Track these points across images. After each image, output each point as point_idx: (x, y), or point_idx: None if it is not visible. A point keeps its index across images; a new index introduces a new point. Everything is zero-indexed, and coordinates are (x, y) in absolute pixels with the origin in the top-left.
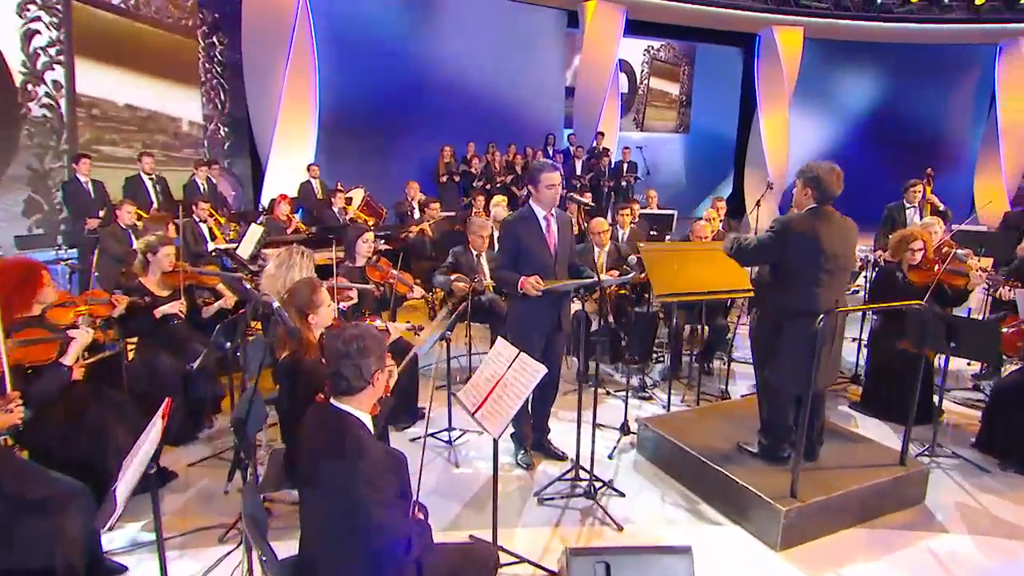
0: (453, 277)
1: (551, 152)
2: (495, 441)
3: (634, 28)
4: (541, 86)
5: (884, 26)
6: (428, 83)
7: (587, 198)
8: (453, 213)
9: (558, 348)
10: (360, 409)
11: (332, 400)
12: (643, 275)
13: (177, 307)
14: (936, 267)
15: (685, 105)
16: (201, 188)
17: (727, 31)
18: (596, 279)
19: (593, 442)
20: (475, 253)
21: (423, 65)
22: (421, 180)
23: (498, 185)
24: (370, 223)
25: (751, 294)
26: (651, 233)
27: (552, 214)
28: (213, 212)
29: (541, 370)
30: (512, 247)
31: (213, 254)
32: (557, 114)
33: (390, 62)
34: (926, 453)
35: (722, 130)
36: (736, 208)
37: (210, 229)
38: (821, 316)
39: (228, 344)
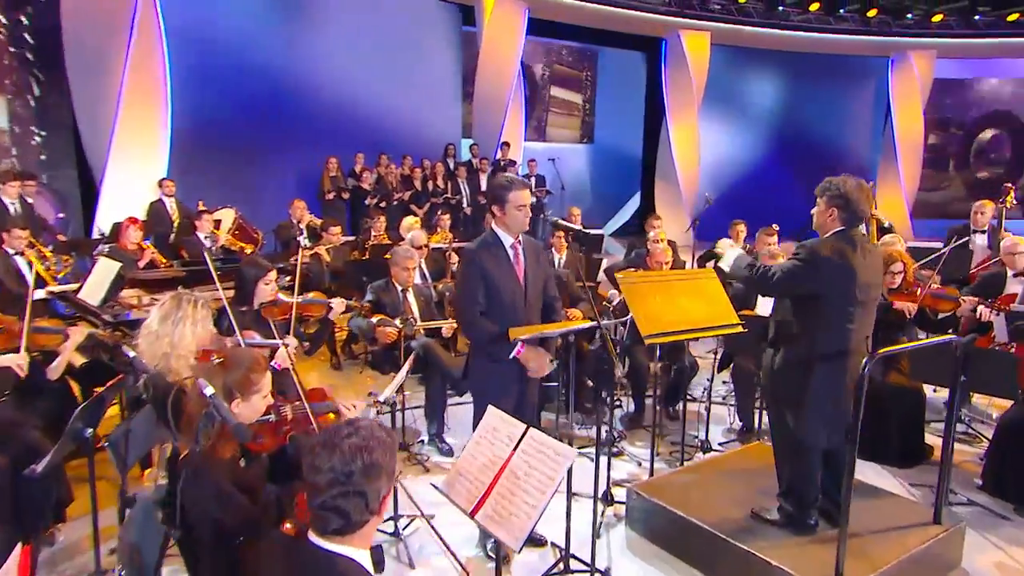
0: (376, 320)
1: (452, 164)
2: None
3: (534, 28)
4: (435, 90)
5: (784, 34)
6: (304, 88)
7: (576, 221)
8: (352, 237)
9: (532, 399)
10: (359, 547)
11: (317, 540)
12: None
13: (15, 360)
14: (919, 290)
15: (588, 113)
16: (11, 209)
17: (630, 35)
18: (596, 323)
19: (568, 518)
20: (399, 288)
21: (296, 67)
22: (304, 198)
23: (395, 203)
24: (246, 250)
25: (740, 329)
26: (585, 255)
27: (519, 240)
28: (34, 241)
29: (568, 454)
30: (476, 285)
31: (44, 297)
32: (454, 122)
33: (257, 65)
34: (949, 503)
35: (628, 140)
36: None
37: (30, 264)
38: (866, 360)
39: (90, 431)
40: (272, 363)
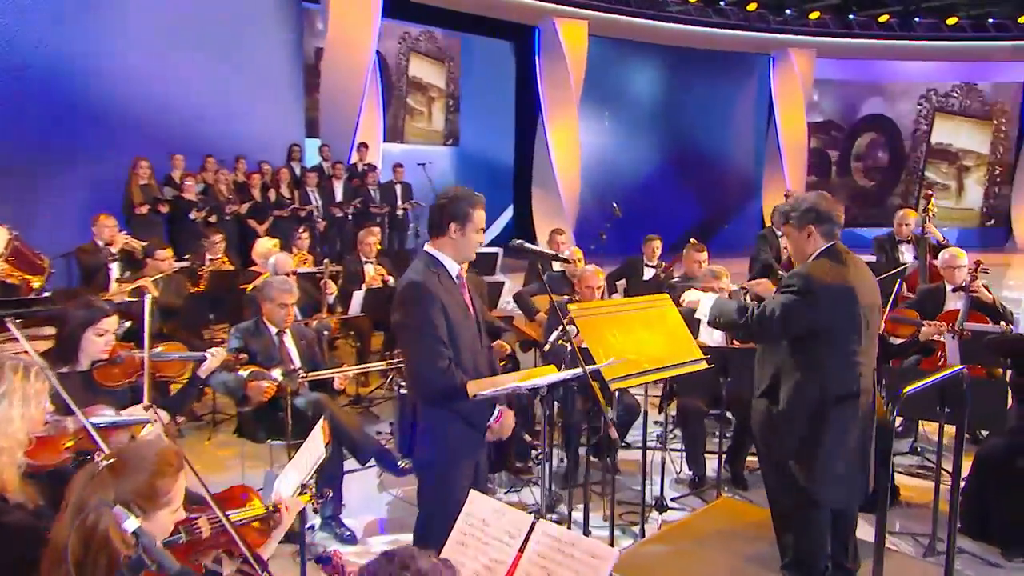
0: (246, 373)
1: (299, 170)
2: None
3: (389, 9)
4: (269, 79)
5: (663, 25)
6: (95, 84)
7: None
8: (184, 263)
9: (484, 468)
10: None
11: None
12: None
13: None
14: None
15: (453, 111)
16: None
17: (498, 22)
18: (582, 369)
19: None
20: (273, 330)
21: (83, 62)
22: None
23: (228, 216)
24: (34, 284)
25: (704, 365)
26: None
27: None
28: None
29: (607, 555)
30: (440, 326)
31: None
32: (295, 118)
33: (17, 65)
34: (936, 551)
35: (498, 142)
36: (522, 235)
37: None
38: (890, 401)
39: None
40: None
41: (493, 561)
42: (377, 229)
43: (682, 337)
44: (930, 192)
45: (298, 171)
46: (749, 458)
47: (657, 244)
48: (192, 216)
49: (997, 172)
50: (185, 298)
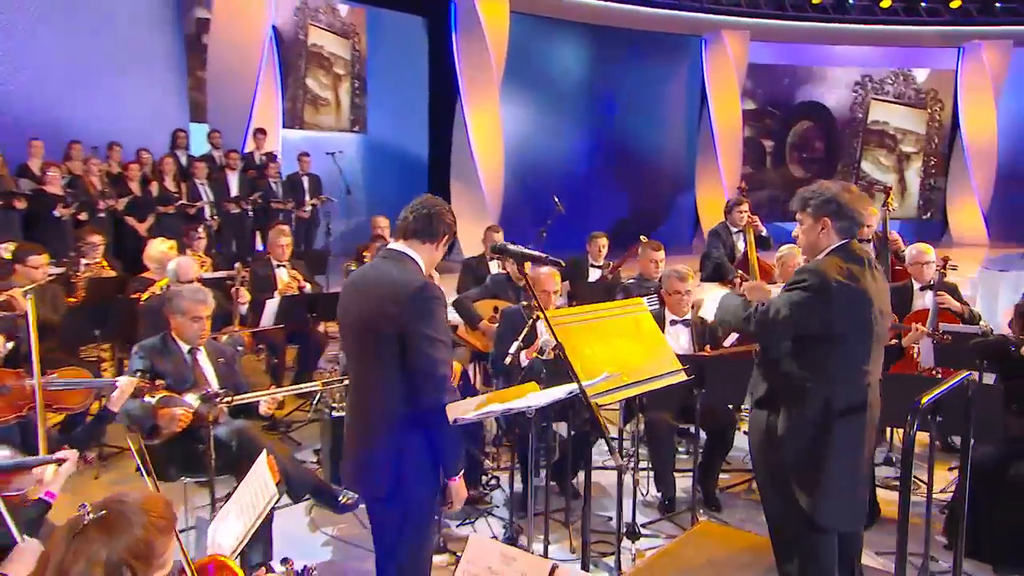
0: (155, 399)
1: (185, 159)
2: None
3: None
4: (142, 56)
5: (589, 2)
6: None
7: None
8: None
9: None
10: None
11: None
12: None
13: None
14: None
15: (359, 93)
16: None
17: None
18: (578, 385)
19: None
20: (185, 348)
21: None
22: None
23: (100, 214)
24: None
25: (684, 376)
26: None
27: None
28: None
29: None
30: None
31: None
32: (178, 101)
33: None
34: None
35: (410, 128)
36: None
37: None
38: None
39: None
40: (43, 495)
41: None
42: (287, 228)
43: (660, 346)
44: (889, 187)
45: (184, 160)
46: (721, 476)
47: (603, 242)
48: (57, 213)
49: (932, 163)
50: (63, 312)
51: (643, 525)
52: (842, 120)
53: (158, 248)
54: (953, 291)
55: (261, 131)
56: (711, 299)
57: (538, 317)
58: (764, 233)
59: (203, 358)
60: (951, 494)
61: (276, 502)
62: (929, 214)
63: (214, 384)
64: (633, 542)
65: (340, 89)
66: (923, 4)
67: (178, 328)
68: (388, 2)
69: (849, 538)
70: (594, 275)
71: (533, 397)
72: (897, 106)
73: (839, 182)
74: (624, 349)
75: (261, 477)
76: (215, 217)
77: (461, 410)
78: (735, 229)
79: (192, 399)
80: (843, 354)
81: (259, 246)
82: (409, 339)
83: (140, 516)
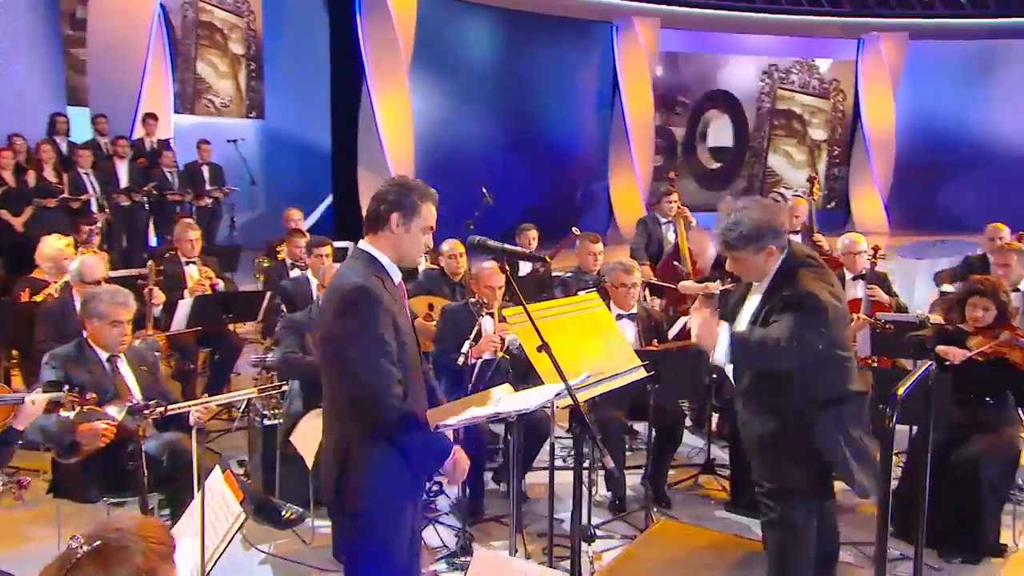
0: (74, 413)
1: (63, 146)
2: None
3: None
4: (8, 29)
5: None
6: None
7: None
8: None
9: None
10: None
11: None
12: None
13: None
14: None
15: (255, 76)
16: None
17: None
18: (565, 385)
19: None
20: (103, 356)
21: None
22: None
23: None
24: None
25: (643, 372)
26: None
27: None
28: None
29: None
30: (391, 345)
31: None
32: (54, 82)
33: None
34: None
35: (311, 113)
36: (349, 234)
37: None
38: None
39: None
40: None
41: None
42: (192, 221)
43: (620, 343)
44: (815, 176)
45: (65, 148)
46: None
47: (534, 234)
48: None
49: (835, 153)
50: None
51: (596, 526)
52: (750, 109)
53: (53, 246)
54: (883, 280)
55: (152, 116)
56: (724, 338)
57: (486, 314)
58: (694, 223)
59: (124, 366)
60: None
61: (243, 523)
62: (833, 203)
63: (136, 394)
64: (589, 544)
65: (235, 72)
66: None
67: (95, 334)
68: None
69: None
70: (525, 268)
71: (521, 400)
72: (802, 95)
73: (749, 202)
74: (585, 346)
75: (219, 495)
76: (104, 210)
77: (443, 416)
78: (664, 219)
79: (115, 411)
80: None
81: (152, 241)
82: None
83: (138, 543)
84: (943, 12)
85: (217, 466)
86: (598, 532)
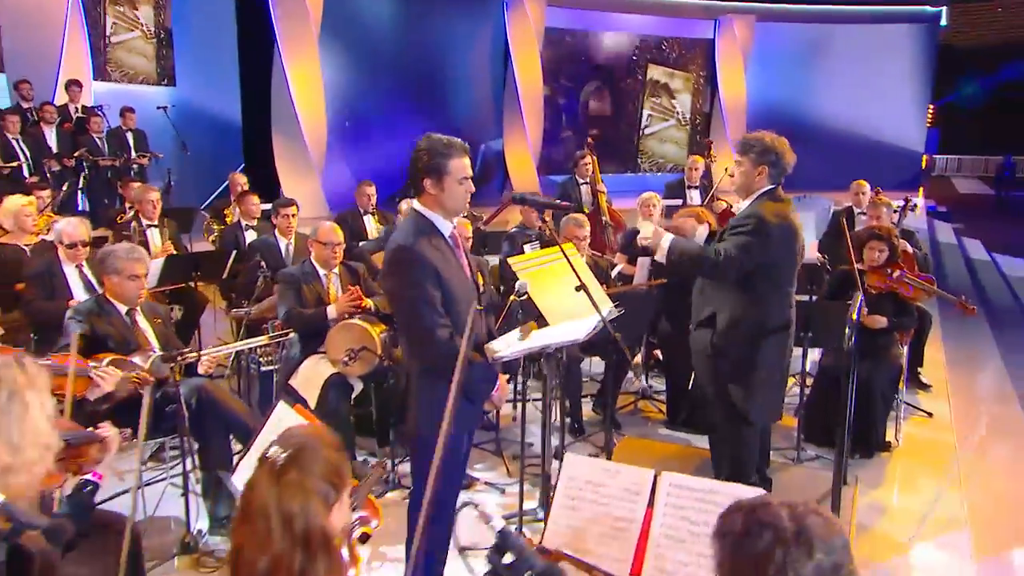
0: (107, 361)
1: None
2: None
3: None
4: None
5: None
6: None
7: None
8: None
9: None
10: None
11: None
12: None
13: None
14: None
15: (166, 43)
16: None
17: None
18: (601, 319)
19: None
20: (123, 309)
21: None
22: None
23: None
24: None
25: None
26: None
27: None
28: None
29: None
30: (435, 293)
31: None
32: None
33: None
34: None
35: (221, 79)
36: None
37: None
38: (851, 331)
39: None
40: (90, 475)
41: (620, 520)
42: (149, 185)
43: (596, 286)
44: (710, 140)
45: None
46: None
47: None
48: None
49: (697, 122)
50: None
51: (564, 447)
52: (624, 81)
53: (16, 203)
54: None
55: (76, 83)
56: (664, 241)
57: None
58: (604, 189)
59: (141, 319)
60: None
61: None
62: None
63: (155, 344)
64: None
65: (145, 39)
66: None
67: (114, 289)
68: None
69: (766, 429)
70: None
71: (570, 330)
72: (670, 70)
73: (769, 133)
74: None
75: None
76: (34, 176)
77: (502, 347)
78: (582, 180)
79: (140, 361)
80: (774, 283)
81: (82, 206)
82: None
83: (319, 442)
84: None
85: (282, 401)
86: (565, 452)
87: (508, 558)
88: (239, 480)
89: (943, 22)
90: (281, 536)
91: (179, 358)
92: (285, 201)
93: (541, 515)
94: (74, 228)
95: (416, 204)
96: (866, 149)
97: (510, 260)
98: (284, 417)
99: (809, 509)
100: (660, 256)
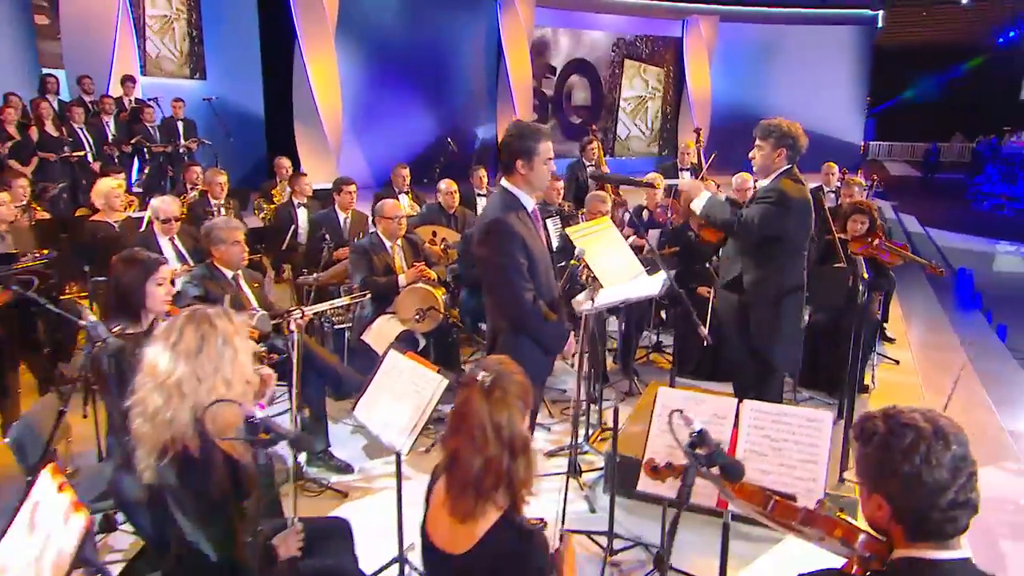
0: None
1: (53, 101)
2: None
3: None
4: None
5: None
6: None
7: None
8: None
9: None
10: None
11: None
12: None
13: None
14: None
15: (197, 41)
16: None
17: None
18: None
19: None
20: (230, 274)
21: None
22: None
23: None
24: None
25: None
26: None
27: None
28: None
29: (824, 418)
30: (523, 262)
31: None
32: (25, 44)
33: None
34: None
35: (245, 73)
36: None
37: None
38: (866, 288)
39: None
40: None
41: (767, 440)
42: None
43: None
44: (699, 128)
45: (56, 105)
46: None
47: (406, 173)
48: None
49: (668, 111)
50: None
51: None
52: (604, 75)
53: (107, 184)
54: None
55: (130, 78)
56: (701, 198)
57: None
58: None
59: (243, 282)
60: None
61: (444, 387)
62: (666, 151)
63: (255, 304)
64: (595, 404)
65: (178, 36)
66: None
67: (222, 256)
68: None
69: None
70: (482, 203)
71: (644, 286)
72: (643, 64)
73: (785, 119)
74: (619, 258)
75: (407, 372)
76: (97, 160)
77: (584, 301)
78: (588, 163)
79: (244, 318)
80: (791, 250)
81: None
82: (480, 265)
83: (512, 368)
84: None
85: (393, 349)
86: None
87: (703, 451)
88: (360, 414)
89: (879, 24)
90: (493, 441)
91: (286, 315)
92: (345, 180)
93: (585, 448)
94: (168, 205)
95: (504, 182)
96: (813, 139)
97: (567, 230)
98: (397, 363)
99: (934, 412)
100: (697, 205)
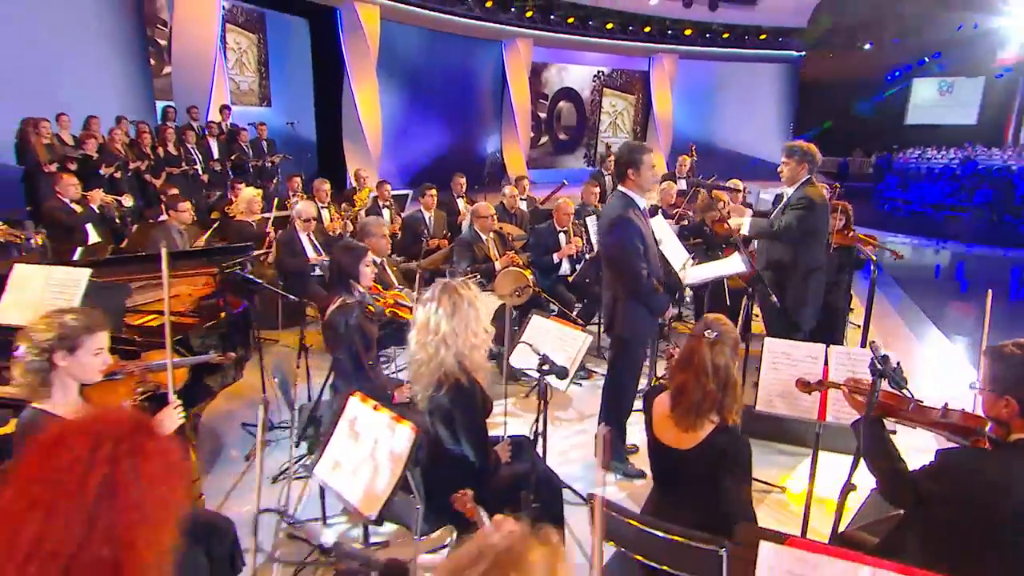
0: (386, 299)
1: (201, 129)
2: None
3: None
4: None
5: (426, 14)
6: None
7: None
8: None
9: None
10: None
11: None
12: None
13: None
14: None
15: (264, 76)
16: None
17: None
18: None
19: None
20: (378, 260)
21: None
22: None
23: (128, 173)
24: None
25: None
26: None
27: None
28: None
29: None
30: (639, 249)
31: None
32: (142, 79)
33: None
34: None
35: (301, 105)
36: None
37: None
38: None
39: None
40: None
41: (806, 374)
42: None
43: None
44: (693, 144)
45: (197, 127)
46: None
47: (462, 180)
48: (102, 172)
49: (637, 132)
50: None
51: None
52: (587, 101)
53: (249, 192)
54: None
55: (226, 107)
56: (746, 222)
57: (561, 231)
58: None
59: (387, 266)
60: None
61: (588, 343)
62: None
63: (396, 284)
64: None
65: (250, 70)
66: (630, 28)
67: (374, 246)
68: (280, 5)
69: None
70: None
71: (731, 264)
72: (618, 92)
73: (802, 142)
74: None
75: (556, 330)
76: (206, 174)
77: (688, 276)
78: (607, 173)
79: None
80: (818, 237)
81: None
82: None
83: (727, 326)
84: (697, 41)
85: (535, 314)
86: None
87: (887, 368)
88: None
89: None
90: (712, 379)
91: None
92: (429, 185)
93: None
94: (308, 207)
95: (620, 187)
96: (751, 158)
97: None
98: (544, 323)
99: None
100: (745, 227)
